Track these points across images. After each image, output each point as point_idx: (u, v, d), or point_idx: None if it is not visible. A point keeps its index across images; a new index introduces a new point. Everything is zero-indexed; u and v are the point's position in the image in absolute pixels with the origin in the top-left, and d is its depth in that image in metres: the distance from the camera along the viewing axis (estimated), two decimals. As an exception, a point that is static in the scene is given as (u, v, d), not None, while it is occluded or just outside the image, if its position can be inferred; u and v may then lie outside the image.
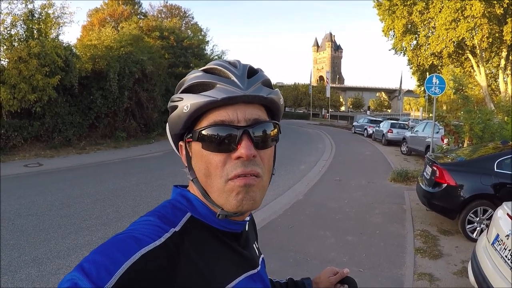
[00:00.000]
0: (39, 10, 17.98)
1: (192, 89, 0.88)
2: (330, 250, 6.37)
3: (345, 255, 6.15)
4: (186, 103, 0.86)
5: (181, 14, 45.44)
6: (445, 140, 13.85)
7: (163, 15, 44.23)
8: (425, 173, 8.25)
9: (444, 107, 23.81)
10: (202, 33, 35.48)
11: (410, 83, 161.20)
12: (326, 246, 6.56)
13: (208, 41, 34.91)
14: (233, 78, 0.86)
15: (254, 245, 1.09)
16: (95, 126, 21.08)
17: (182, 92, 0.90)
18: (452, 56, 28.24)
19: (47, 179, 12.09)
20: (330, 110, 67.60)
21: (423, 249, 6.44)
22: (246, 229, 1.03)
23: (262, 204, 7.41)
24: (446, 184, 7.26)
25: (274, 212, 8.51)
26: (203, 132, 0.85)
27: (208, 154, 0.85)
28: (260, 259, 1.08)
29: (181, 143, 0.95)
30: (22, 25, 17.61)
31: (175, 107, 0.90)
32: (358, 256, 6.11)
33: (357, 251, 6.32)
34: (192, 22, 44.32)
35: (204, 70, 0.90)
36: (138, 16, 36.71)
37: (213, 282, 0.83)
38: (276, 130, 0.94)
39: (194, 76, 0.90)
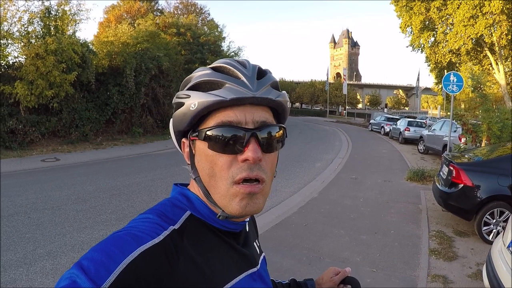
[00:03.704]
0: (55, 7, 18.18)
1: (200, 86, 0.86)
2: (344, 249, 6.28)
3: (359, 254, 6.06)
4: (193, 101, 0.84)
5: (197, 10, 45.48)
6: (463, 139, 13.61)
7: (179, 12, 44.29)
8: (441, 173, 8.08)
9: (462, 106, 23.44)
10: (219, 29, 35.44)
11: (428, 80, 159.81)
12: (340, 245, 6.48)
13: (224, 38, 34.97)
14: (243, 78, 0.85)
15: (254, 244, 1.08)
16: (112, 122, 21.25)
17: (189, 89, 0.88)
18: (471, 54, 27.78)
19: (64, 174, 12.20)
20: (347, 107, 67.27)
21: (438, 250, 6.31)
22: (247, 229, 1.04)
23: (277, 202, 7.46)
24: (462, 185, 7.08)
25: (289, 210, 8.45)
26: (210, 132, 0.83)
27: (214, 155, 0.84)
28: (261, 257, 1.08)
29: (184, 140, 0.93)
30: (39, 22, 17.80)
31: (181, 104, 0.88)
32: (372, 255, 6.01)
33: (371, 250, 6.22)
34: (208, 19, 44.32)
35: (212, 68, 0.89)
36: (155, 13, 36.90)
37: (212, 280, 0.82)
38: (282, 133, 0.92)
39: (202, 73, 0.88)
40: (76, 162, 14.59)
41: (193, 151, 0.89)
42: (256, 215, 1.08)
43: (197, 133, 0.86)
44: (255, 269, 0.98)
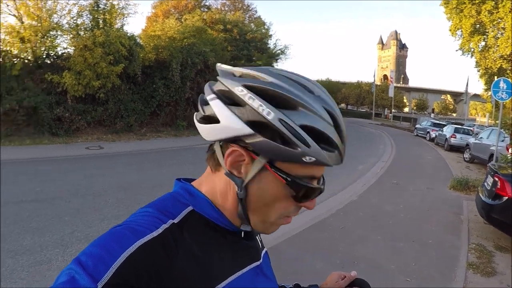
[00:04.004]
0: (104, 1, 18.80)
1: (278, 100, 0.77)
2: (379, 255, 6.04)
3: (394, 262, 5.80)
4: (310, 153, 0.77)
5: (244, 7, 45.52)
6: (510, 150, 13.07)
7: (226, 8, 44.45)
8: (486, 184, 7.66)
9: (512, 114, 22.54)
10: (265, 27, 35.45)
11: (477, 86, 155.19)
12: (375, 251, 6.24)
13: (271, 35, 34.93)
14: (340, 150, 0.83)
15: (257, 237, 1.06)
16: (157, 114, 21.53)
17: (262, 98, 0.77)
18: (523, 60, 26.62)
19: (107, 162, 12.42)
20: (393, 110, 66.12)
21: (476, 264, 5.95)
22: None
23: (315, 202, 7.38)
24: (507, 197, 6.63)
25: (327, 211, 8.25)
26: (300, 181, 0.81)
27: (285, 195, 0.83)
28: (263, 252, 1.06)
29: (235, 147, 0.81)
30: (88, 15, 18.49)
31: (240, 103, 0.78)
32: (408, 264, 5.75)
33: (407, 259, 5.96)
34: (255, 16, 44.33)
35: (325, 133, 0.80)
36: (202, 9, 37.14)
37: (213, 274, 0.82)
38: None
39: (298, 92, 0.79)
40: (120, 152, 14.86)
41: (255, 174, 0.81)
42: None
43: (283, 174, 0.79)
44: (258, 263, 0.97)
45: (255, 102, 0.75)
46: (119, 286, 0.66)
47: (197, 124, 0.85)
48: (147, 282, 0.69)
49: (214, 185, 0.88)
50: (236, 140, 0.79)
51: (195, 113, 0.88)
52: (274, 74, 0.79)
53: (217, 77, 0.83)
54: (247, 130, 0.76)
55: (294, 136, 0.75)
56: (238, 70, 0.82)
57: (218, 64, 0.87)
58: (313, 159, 0.77)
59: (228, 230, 0.88)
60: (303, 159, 0.76)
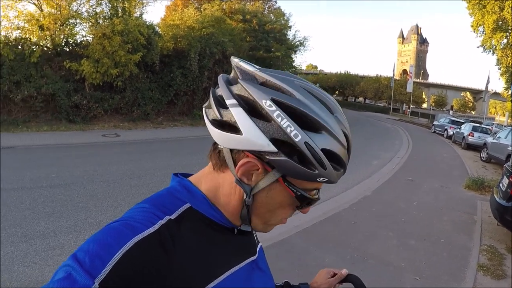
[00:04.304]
0: (123, -11, 18.66)
1: (305, 121, 0.77)
2: (390, 252, 6.02)
3: (404, 259, 5.77)
4: (323, 174, 0.79)
5: (264, -2, 45.35)
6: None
7: (245, -1, 44.32)
8: (501, 184, 7.52)
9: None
10: (285, 17, 35.15)
11: (498, 85, 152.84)
12: (386, 248, 6.22)
13: (290, 26, 34.64)
14: (345, 168, 0.85)
15: (253, 232, 1.06)
16: (174, 103, 21.58)
17: (290, 117, 0.75)
18: (545, 59, 26.08)
19: (123, 150, 12.56)
20: (411, 106, 65.53)
21: (487, 266, 5.87)
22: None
23: (328, 196, 7.25)
24: None
25: (339, 206, 8.23)
26: (307, 193, 0.83)
27: (289, 205, 0.86)
28: (258, 246, 1.06)
29: (250, 158, 0.80)
30: (107, 4, 18.57)
31: (266, 117, 0.77)
32: (418, 263, 5.71)
33: (417, 257, 5.91)
34: (275, 7, 44.04)
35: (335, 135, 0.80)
36: (221, -1, 37.02)
37: (210, 269, 0.82)
38: None
39: (316, 109, 0.78)
40: (136, 139, 14.99)
41: (266, 185, 0.82)
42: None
43: (293, 188, 0.82)
44: (253, 258, 0.98)
45: (284, 121, 0.74)
46: (116, 282, 0.67)
47: (209, 126, 0.83)
48: (144, 279, 0.70)
49: (216, 185, 0.88)
50: (253, 151, 0.78)
51: (206, 109, 0.86)
52: (299, 89, 0.78)
53: (239, 80, 0.80)
54: (271, 147, 0.75)
55: (315, 158, 0.76)
56: (261, 75, 0.80)
57: (236, 60, 0.85)
58: (326, 179, 0.79)
59: (225, 226, 0.89)
60: (318, 179, 0.78)
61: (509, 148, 14.20)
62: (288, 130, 0.73)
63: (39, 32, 16.47)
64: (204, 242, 0.83)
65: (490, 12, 25.75)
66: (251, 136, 0.75)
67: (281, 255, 5.23)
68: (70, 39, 18.05)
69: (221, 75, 0.85)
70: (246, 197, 0.82)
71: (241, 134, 0.76)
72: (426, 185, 11.44)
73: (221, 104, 0.80)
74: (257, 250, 1.03)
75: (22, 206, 6.35)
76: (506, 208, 6.80)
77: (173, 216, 0.81)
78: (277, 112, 0.74)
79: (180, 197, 0.87)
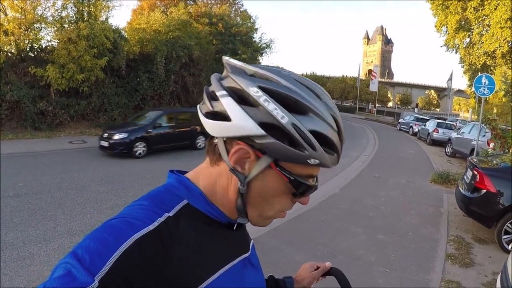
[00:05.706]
0: (89, -7, 18.48)
1: (291, 104, 0.79)
2: (359, 247, 6.19)
3: (374, 253, 5.96)
4: (314, 156, 0.80)
5: (231, 1, 45.34)
6: (491, 145, 13.25)
7: (212, 2, 44.18)
8: (465, 177, 7.81)
9: (495, 110, 22.84)
10: (251, 20, 35.29)
11: (461, 82, 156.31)
12: (356, 243, 6.40)
13: (257, 29, 34.78)
14: (339, 153, 0.87)
15: (246, 230, 1.09)
16: (141, 108, 21.33)
17: (276, 101, 0.78)
18: (506, 57, 26.81)
19: (90, 156, 12.42)
20: (377, 105, 66.47)
21: (455, 256, 6.13)
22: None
23: None
24: (485, 190, 6.80)
25: (308, 204, 8.31)
26: (301, 179, 0.84)
27: (285, 192, 0.87)
28: (251, 243, 1.08)
29: (242, 145, 0.81)
30: (73, 8, 18.35)
31: (253, 103, 0.79)
32: (387, 256, 5.91)
33: (387, 251, 6.11)
34: (241, 9, 44.17)
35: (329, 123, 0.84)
36: (188, 2, 36.89)
37: (207, 266, 0.84)
38: None
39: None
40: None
41: (259, 172, 0.83)
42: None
43: (286, 173, 0.82)
44: (247, 254, 1.00)
45: (270, 105, 0.76)
46: (116, 280, 0.67)
47: (203, 119, 0.84)
48: (143, 276, 0.71)
49: (214, 179, 0.89)
50: (243, 138, 0.80)
51: (200, 106, 0.87)
52: (286, 77, 0.81)
53: (229, 74, 0.82)
54: (260, 131, 0.77)
55: (304, 140, 0.77)
56: (250, 69, 0.82)
57: (227, 58, 0.87)
58: (317, 161, 0.80)
59: (221, 223, 0.90)
60: (309, 161, 0.79)
61: (473, 143, 14.60)
62: (275, 113, 0.76)
63: (3, 37, 16.22)
64: (201, 239, 0.84)
65: (453, 13, 26.51)
66: (240, 121, 0.77)
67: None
68: (35, 44, 17.80)
69: (214, 74, 0.88)
70: (240, 185, 0.83)
71: (231, 121, 0.78)
72: (393, 181, 11.71)
73: (212, 97, 0.83)
74: (250, 246, 1.05)
75: (-11, 216, 6.28)
76: (470, 199, 7.06)
77: (171, 213, 0.82)
78: (264, 97, 0.77)
79: (178, 193, 0.88)
